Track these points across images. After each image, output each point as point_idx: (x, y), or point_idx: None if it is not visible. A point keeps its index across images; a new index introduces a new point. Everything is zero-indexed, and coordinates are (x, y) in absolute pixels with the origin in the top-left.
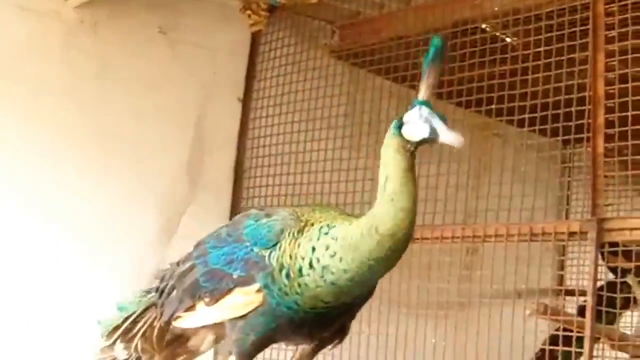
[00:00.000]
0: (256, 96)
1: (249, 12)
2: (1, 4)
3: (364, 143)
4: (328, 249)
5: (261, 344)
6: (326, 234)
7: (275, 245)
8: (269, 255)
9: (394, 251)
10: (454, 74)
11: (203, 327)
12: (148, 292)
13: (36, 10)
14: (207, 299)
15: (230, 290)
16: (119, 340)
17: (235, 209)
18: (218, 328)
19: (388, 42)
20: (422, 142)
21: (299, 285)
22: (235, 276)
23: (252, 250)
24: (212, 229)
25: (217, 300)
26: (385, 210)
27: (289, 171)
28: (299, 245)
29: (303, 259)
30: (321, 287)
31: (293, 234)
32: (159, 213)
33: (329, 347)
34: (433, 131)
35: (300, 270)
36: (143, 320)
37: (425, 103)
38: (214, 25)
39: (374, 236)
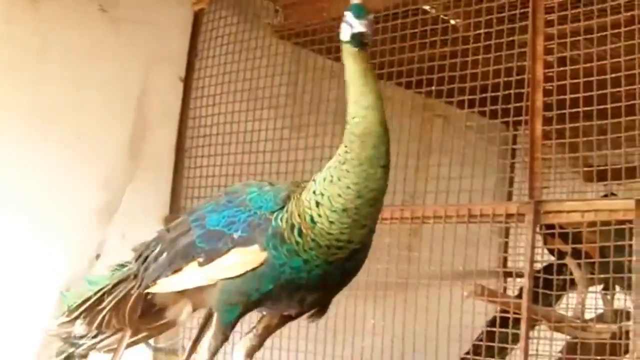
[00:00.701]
0: (198, 75)
1: None
2: None
3: (306, 122)
4: (326, 180)
5: (248, 308)
6: (320, 175)
7: (281, 209)
8: (276, 218)
9: (377, 147)
10: (394, 54)
11: (183, 294)
12: (123, 265)
13: None
14: (201, 259)
15: (228, 250)
16: (82, 316)
17: (176, 188)
18: (197, 295)
19: (330, 22)
20: (355, 40)
21: (313, 239)
22: (236, 237)
23: (255, 213)
24: (152, 207)
25: (212, 260)
26: (353, 113)
27: (231, 151)
28: (302, 202)
29: (309, 208)
30: (335, 222)
31: (296, 197)
32: (100, 190)
33: (306, 318)
34: (350, 27)
35: (312, 219)
36: (115, 293)
37: (351, 6)
38: (156, 3)
39: (354, 141)
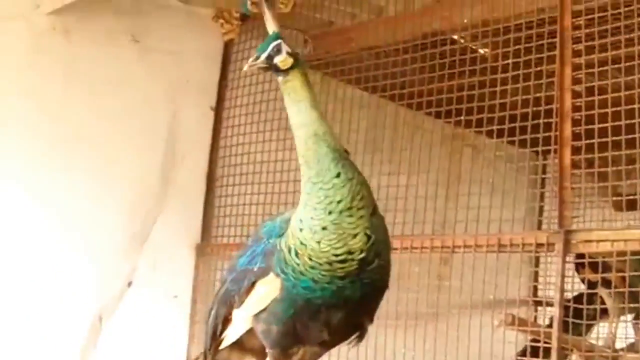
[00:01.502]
0: (228, 105)
1: (221, 20)
2: None
3: None
4: (301, 204)
5: (285, 334)
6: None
7: (285, 233)
8: (280, 242)
9: (320, 161)
10: (424, 84)
11: (244, 348)
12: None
13: (7, 16)
14: (236, 302)
15: (253, 285)
16: None
17: (207, 216)
18: (253, 341)
19: (359, 52)
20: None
21: (310, 259)
22: (255, 269)
23: (268, 242)
24: (184, 236)
25: (242, 301)
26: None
27: (261, 180)
28: (292, 226)
29: (295, 232)
30: (321, 241)
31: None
32: (129, 220)
33: (346, 344)
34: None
35: (300, 242)
36: None
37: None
38: (186, 33)
39: (302, 164)
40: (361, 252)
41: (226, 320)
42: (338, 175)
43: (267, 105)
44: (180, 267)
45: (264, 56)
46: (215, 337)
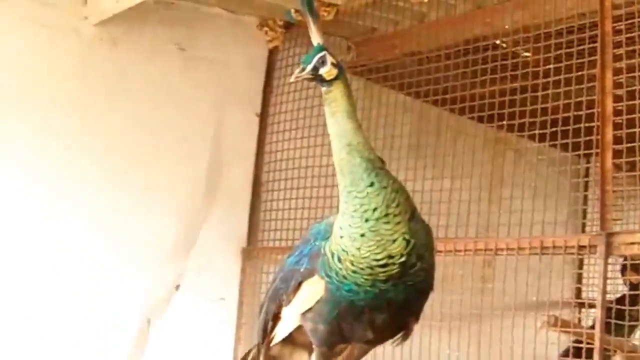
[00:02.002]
0: (273, 111)
1: (265, 28)
2: (21, 21)
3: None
4: (340, 213)
5: (331, 333)
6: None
7: (329, 237)
8: (324, 246)
9: (353, 172)
10: (466, 89)
11: (294, 344)
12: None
13: (56, 27)
14: (284, 300)
15: (299, 285)
16: None
17: (253, 221)
18: (302, 338)
19: (402, 58)
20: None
21: (352, 263)
22: (302, 270)
23: (314, 244)
24: (230, 240)
25: (290, 300)
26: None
27: (306, 185)
28: (334, 232)
29: (337, 239)
30: (360, 247)
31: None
32: (177, 225)
33: (390, 342)
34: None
35: (342, 249)
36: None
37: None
38: (231, 41)
39: (338, 173)
40: (401, 256)
41: (276, 317)
42: (372, 185)
43: (312, 111)
44: (226, 271)
45: (309, 67)
46: (265, 332)
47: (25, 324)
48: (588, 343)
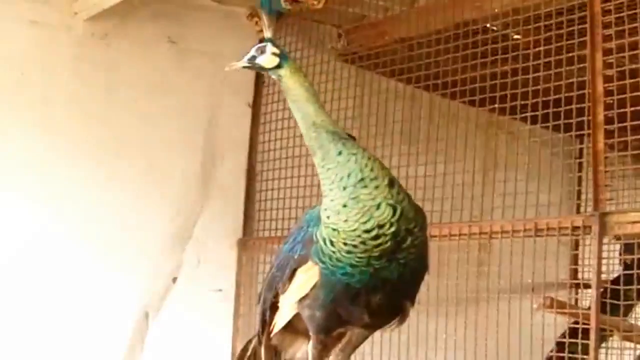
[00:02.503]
0: (265, 101)
1: (255, 19)
2: (12, 18)
3: (373, 144)
4: (324, 192)
5: (329, 319)
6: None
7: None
8: (316, 232)
9: (319, 145)
10: (457, 73)
11: (296, 332)
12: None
13: (47, 24)
14: (280, 288)
15: (294, 272)
16: None
17: (248, 212)
18: (302, 324)
19: (393, 45)
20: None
21: (345, 243)
22: (296, 256)
23: (307, 230)
24: (226, 231)
25: (286, 288)
26: None
27: (300, 173)
28: (322, 218)
29: (327, 217)
30: (348, 219)
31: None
32: (172, 219)
33: (388, 326)
34: None
35: (332, 229)
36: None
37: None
38: (221, 33)
39: (312, 135)
40: (391, 225)
41: (274, 306)
42: (340, 153)
43: None
44: (223, 262)
45: (246, 57)
46: (264, 322)
47: (23, 318)
48: (584, 324)
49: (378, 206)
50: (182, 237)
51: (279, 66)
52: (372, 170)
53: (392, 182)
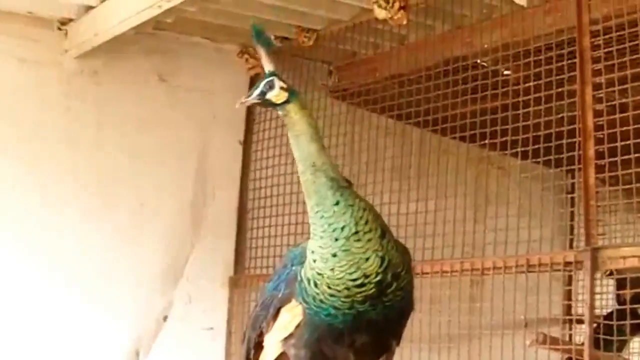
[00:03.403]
0: (256, 138)
1: (246, 56)
2: (2, 55)
3: (364, 181)
4: (311, 238)
5: (314, 358)
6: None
7: (305, 261)
8: (299, 271)
9: (317, 192)
10: (447, 109)
11: None
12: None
13: (37, 61)
14: (264, 327)
15: (278, 311)
16: None
17: (239, 249)
18: None
19: (384, 81)
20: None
21: (329, 287)
22: (280, 295)
23: (291, 268)
24: (217, 269)
25: (270, 326)
26: None
27: (292, 211)
28: (307, 259)
29: (313, 260)
30: (334, 268)
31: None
32: (164, 255)
33: None
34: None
35: (317, 273)
36: None
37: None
38: (212, 70)
39: (305, 195)
40: (377, 274)
41: (259, 346)
42: (337, 203)
43: None
44: (214, 300)
45: (256, 93)
46: None
47: (13, 354)
48: (577, 359)
49: (367, 259)
50: (173, 274)
51: (287, 101)
52: (366, 223)
53: (383, 233)
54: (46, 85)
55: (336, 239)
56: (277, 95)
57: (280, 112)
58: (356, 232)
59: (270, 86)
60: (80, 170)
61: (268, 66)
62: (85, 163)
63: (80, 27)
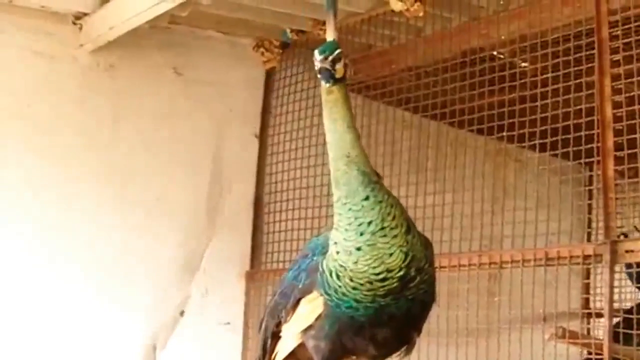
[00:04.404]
0: (272, 132)
1: (261, 49)
2: (18, 50)
3: (381, 174)
4: (334, 228)
5: (334, 350)
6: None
7: (326, 252)
8: (321, 262)
9: (348, 184)
10: (464, 102)
11: None
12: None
13: (52, 55)
14: (283, 317)
15: (298, 302)
16: None
17: (256, 243)
18: (306, 354)
19: (400, 73)
20: (321, 76)
21: (351, 280)
22: (300, 286)
23: (312, 259)
24: (233, 263)
25: (289, 318)
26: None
27: (308, 205)
28: (330, 251)
29: (336, 252)
30: (358, 261)
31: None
32: (180, 251)
33: (395, 356)
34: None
35: (339, 264)
36: None
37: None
38: (227, 64)
39: (333, 184)
40: (400, 269)
41: (276, 336)
42: (367, 198)
43: (311, 131)
44: (231, 294)
45: (332, 56)
46: (265, 350)
47: (30, 352)
48: (597, 354)
49: (391, 254)
50: (189, 269)
51: (339, 80)
52: (393, 219)
53: (409, 229)
54: (61, 79)
55: (361, 233)
56: (340, 68)
57: (326, 86)
58: (382, 228)
59: (340, 58)
60: (95, 164)
61: (332, 34)
62: (101, 157)
63: (95, 21)
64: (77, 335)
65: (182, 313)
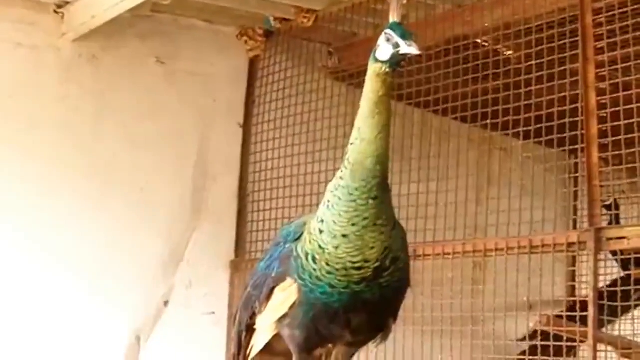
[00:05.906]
0: (256, 121)
1: (245, 38)
2: (0, 42)
3: None
4: (324, 205)
5: (310, 338)
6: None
7: (300, 237)
8: (296, 247)
9: (366, 180)
10: (448, 90)
11: (275, 358)
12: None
13: (34, 46)
14: (257, 309)
15: (272, 292)
16: None
17: (240, 233)
18: (282, 344)
19: None
20: (393, 60)
21: (327, 264)
22: (273, 274)
23: (284, 246)
24: (218, 253)
25: (264, 307)
26: (353, 138)
27: (292, 194)
28: (311, 229)
29: (316, 235)
30: (339, 246)
31: (309, 224)
32: (164, 242)
33: (372, 344)
34: (395, 47)
35: (319, 246)
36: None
37: (392, 25)
38: (211, 53)
39: (347, 168)
40: (377, 261)
41: (251, 329)
42: (375, 198)
43: (295, 120)
44: (216, 284)
45: (396, 41)
46: (240, 344)
47: (15, 344)
48: (581, 340)
49: (373, 247)
50: (173, 259)
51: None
52: (386, 218)
53: (394, 225)
54: (44, 70)
55: (354, 224)
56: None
57: (388, 70)
58: (375, 225)
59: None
60: (79, 154)
61: (396, 16)
62: (84, 148)
63: (77, 10)
64: (61, 326)
65: (166, 303)
